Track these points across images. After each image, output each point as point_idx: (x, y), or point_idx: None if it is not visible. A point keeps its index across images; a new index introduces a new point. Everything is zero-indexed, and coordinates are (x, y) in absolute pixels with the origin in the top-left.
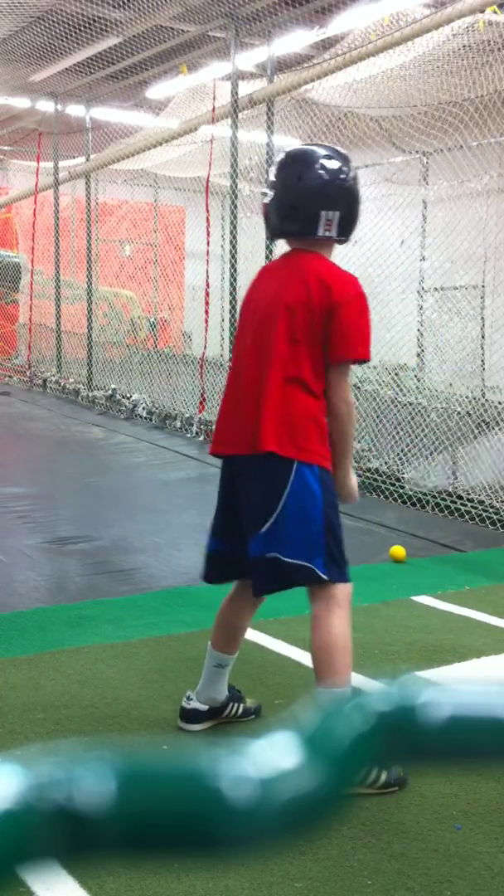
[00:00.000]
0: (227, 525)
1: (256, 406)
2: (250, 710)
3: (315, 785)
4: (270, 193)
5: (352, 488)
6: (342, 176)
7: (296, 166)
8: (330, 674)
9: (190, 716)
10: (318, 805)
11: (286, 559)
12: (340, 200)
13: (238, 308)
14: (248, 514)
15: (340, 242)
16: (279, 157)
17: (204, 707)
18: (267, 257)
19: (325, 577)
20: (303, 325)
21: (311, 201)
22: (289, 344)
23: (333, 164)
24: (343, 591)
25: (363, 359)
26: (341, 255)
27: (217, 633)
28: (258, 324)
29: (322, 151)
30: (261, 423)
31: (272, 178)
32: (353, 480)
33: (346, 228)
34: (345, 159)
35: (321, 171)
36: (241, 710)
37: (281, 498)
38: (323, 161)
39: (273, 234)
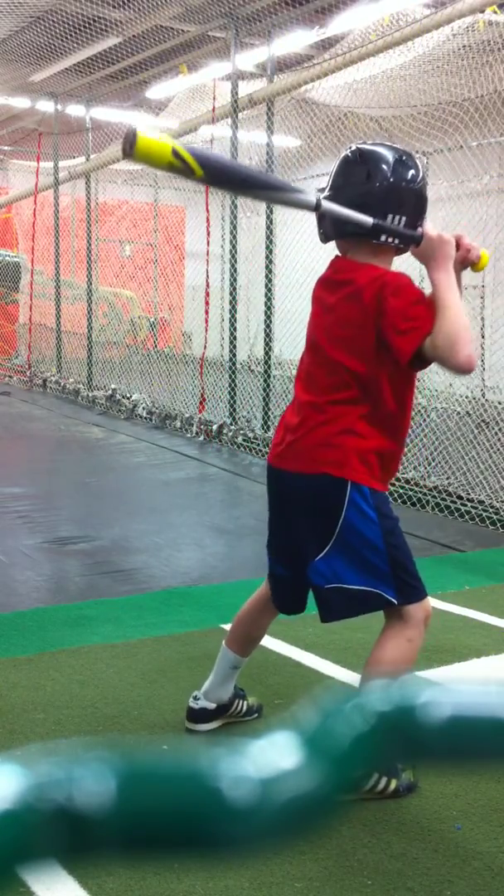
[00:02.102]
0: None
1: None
2: (253, 708)
3: (315, 785)
4: (329, 192)
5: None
6: (415, 180)
7: (367, 164)
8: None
9: (199, 716)
10: (318, 805)
11: (351, 586)
12: (409, 206)
13: (237, 308)
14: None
15: (399, 252)
16: (349, 152)
17: (212, 706)
18: (267, 257)
19: (395, 601)
20: (341, 334)
21: (377, 202)
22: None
23: (406, 167)
24: (419, 609)
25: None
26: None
27: (236, 636)
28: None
29: (395, 151)
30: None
31: (334, 175)
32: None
33: (411, 234)
34: (417, 164)
35: (393, 172)
36: (245, 708)
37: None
38: (396, 162)
39: (327, 236)
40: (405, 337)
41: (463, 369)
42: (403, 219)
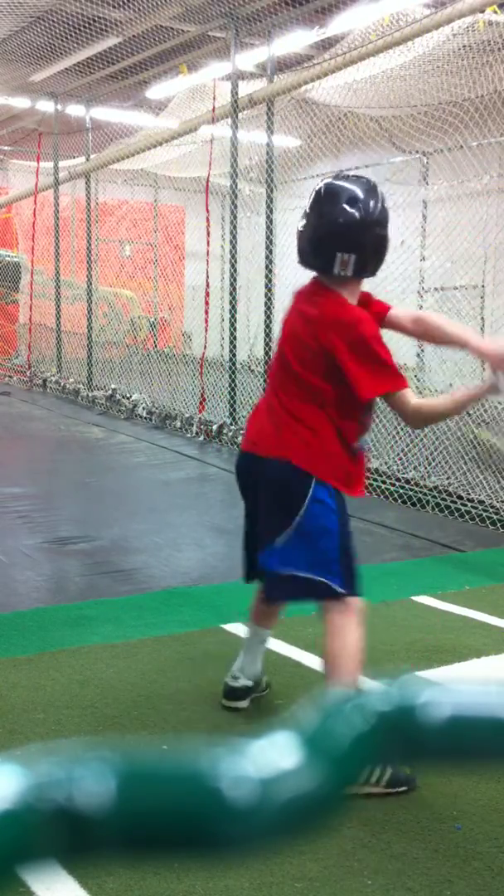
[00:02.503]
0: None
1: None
2: (266, 683)
3: (315, 785)
4: (303, 223)
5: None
6: (362, 217)
7: (322, 203)
8: (338, 678)
9: (240, 693)
10: (318, 805)
11: (302, 574)
12: (356, 243)
13: (237, 308)
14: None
15: (365, 277)
16: (316, 187)
17: (250, 683)
18: (267, 257)
19: (341, 590)
20: (302, 355)
21: (328, 241)
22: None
23: (356, 205)
24: (356, 602)
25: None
26: None
27: (258, 612)
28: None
29: (350, 190)
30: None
31: (306, 208)
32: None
33: (362, 268)
34: (373, 197)
35: (342, 211)
36: (265, 684)
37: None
38: (347, 201)
39: (301, 262)
40: (368, 378)
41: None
42: (353, 256)
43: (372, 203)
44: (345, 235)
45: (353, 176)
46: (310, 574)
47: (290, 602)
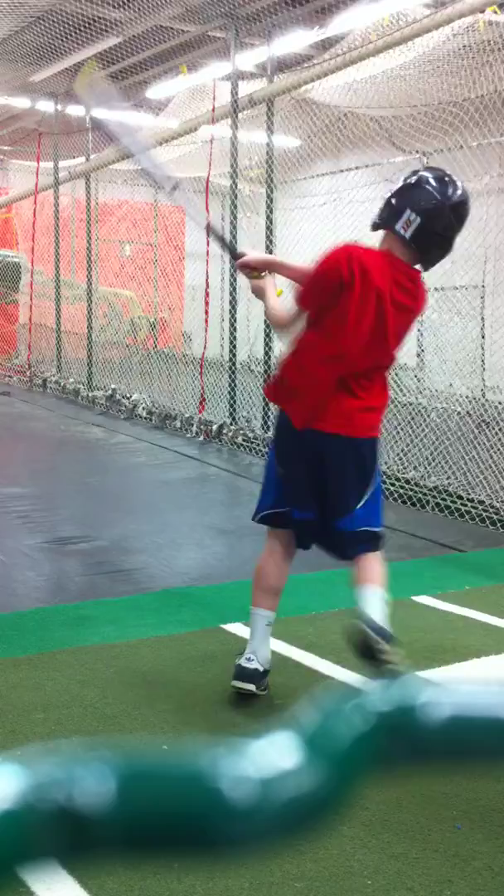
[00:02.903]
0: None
1: None
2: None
3: (315, 785)
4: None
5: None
6: (442, 200)
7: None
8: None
9: (255, 676)
10: (318, 805)
11: (376, 528)
12: (423, 210)
13: (237, 308)
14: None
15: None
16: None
17: (262, 667)
18: None
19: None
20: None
21: (404, 197)
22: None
23: (443, 187)
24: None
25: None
26: None
27: (263, 594)
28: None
29: (439, 173)
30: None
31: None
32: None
33: (419, 240)
34: (458, 193)
35: (424, 183)
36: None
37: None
38: (433, 177)
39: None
40: None
41: None
42: (418, 220)
43: (455, 194)
44: (420, 201)
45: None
46: (380, 527)
47: (362, 554)
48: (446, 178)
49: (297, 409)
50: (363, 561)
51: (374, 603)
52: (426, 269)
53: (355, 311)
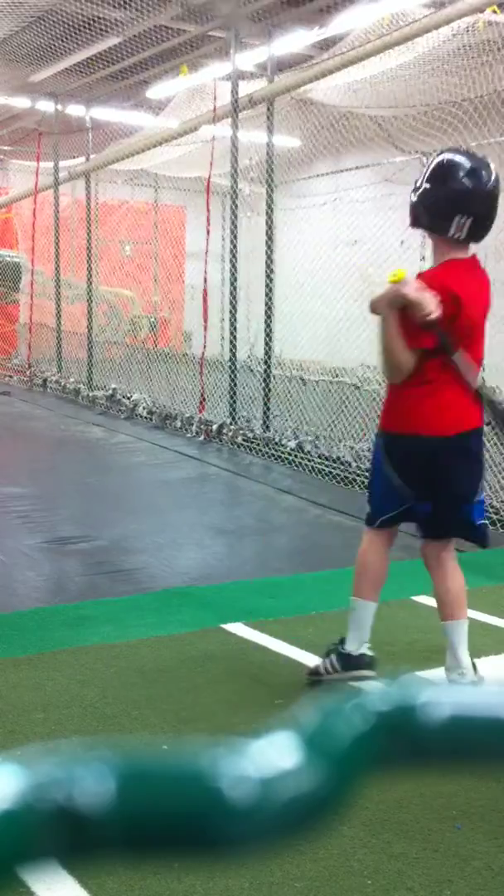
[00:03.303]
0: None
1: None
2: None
3: (315, 785)
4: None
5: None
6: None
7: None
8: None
9: (374, 663)
10: (318, 805)
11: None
12: (470, 209)
13: (237, 308)
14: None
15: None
16: (437, 159)
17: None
18: (268, 255)
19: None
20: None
21: (447, 206)
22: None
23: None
24: None
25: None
26: (342, 257)
27: (373, 585)
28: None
29: (467, 160)
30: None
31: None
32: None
33: (472, 234)
34: (483, 171)
35: (461, 178)
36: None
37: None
38: (466, 169)
39: (414, 225)
40: None
41: None
42: (469, 220)
43: (490, 177)
44: (465, 202)
45: (469, 152)
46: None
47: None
48: (475, 164)
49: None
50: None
51: None
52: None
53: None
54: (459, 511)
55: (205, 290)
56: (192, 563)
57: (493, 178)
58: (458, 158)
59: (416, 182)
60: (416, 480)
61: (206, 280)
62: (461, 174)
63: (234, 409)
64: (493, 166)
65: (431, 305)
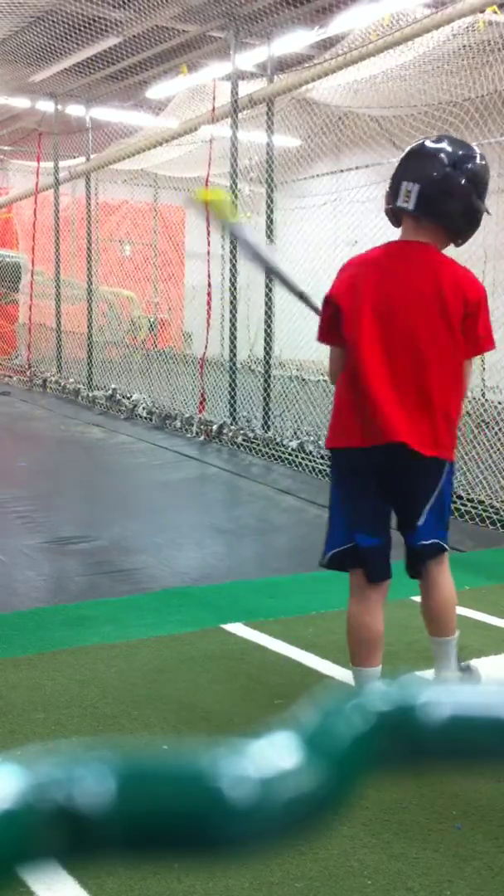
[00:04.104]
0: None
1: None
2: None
3: (315, 785)
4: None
5: None
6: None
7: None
8: (451, 627)
9: None
10: (318, 805)
11: (442, 541)
12: (423, 175)
13: (237, 308)
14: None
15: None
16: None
17: None
18: None
19: (447, 547)
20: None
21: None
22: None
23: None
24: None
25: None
26: (341, 257)
27: (364, 650)
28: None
29: (432, 138)
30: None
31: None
32: None
33: (427, 209)
34: (446, 145)
35: (417, 151)
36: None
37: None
38: (426, 143)
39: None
40: None
41: None
42: (416, 187)
43: (455, 151)
44: (413, 169)
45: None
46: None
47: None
48: (443, 140)
49: None
50: None
51: None
52: (459, 244)
53: None
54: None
55: (209, 291)
56: (191, 563)
57: (458, 151)
58: (425, 141)
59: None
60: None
61: (209, 281)
62: (418, 147)
63: (234, 410)
64: (461, 142)
65: None
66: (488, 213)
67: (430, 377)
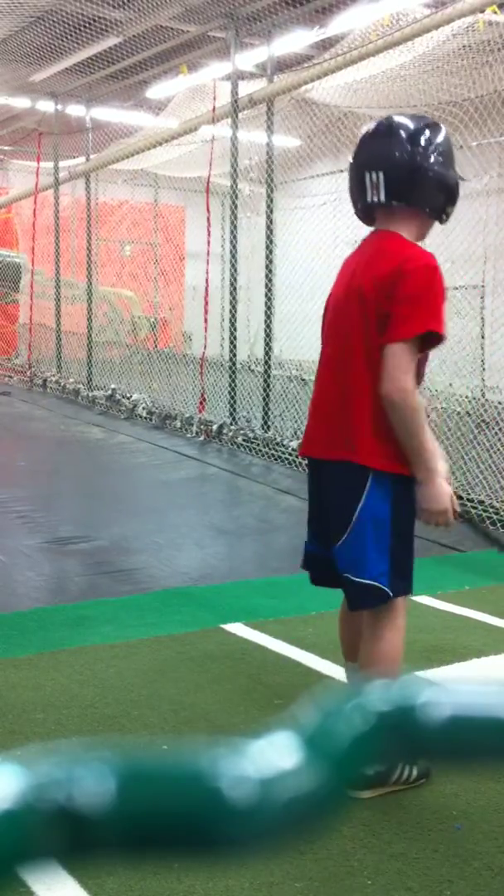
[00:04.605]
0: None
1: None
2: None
3: (315, 785)
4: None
5: (433, 506)
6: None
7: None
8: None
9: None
10: (318, 805)
11: (356, 579)
12: (386, 162)
13: (237, 308)
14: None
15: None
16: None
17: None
18: (267, 257)
19: (390, 593)
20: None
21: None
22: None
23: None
24: (401, 602)
25: (432, 331)
26: (341, 257)
27: (343, 645)
28: (333, 318)
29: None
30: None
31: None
32: (439, 494)
33: (396, 191)
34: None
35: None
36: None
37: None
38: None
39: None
40: None
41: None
42: (381, 174)
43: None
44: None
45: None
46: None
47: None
48: (392, 118)
49: None
50: None
51: None
52: (444, 220)
53: None
54: None
55: (206, 291)
56: (192, 563)
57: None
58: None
59: None
60: None
61: (207, 281)
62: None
63: (234, 409)
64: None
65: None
66: (462, 178)
67: (350, 373)
